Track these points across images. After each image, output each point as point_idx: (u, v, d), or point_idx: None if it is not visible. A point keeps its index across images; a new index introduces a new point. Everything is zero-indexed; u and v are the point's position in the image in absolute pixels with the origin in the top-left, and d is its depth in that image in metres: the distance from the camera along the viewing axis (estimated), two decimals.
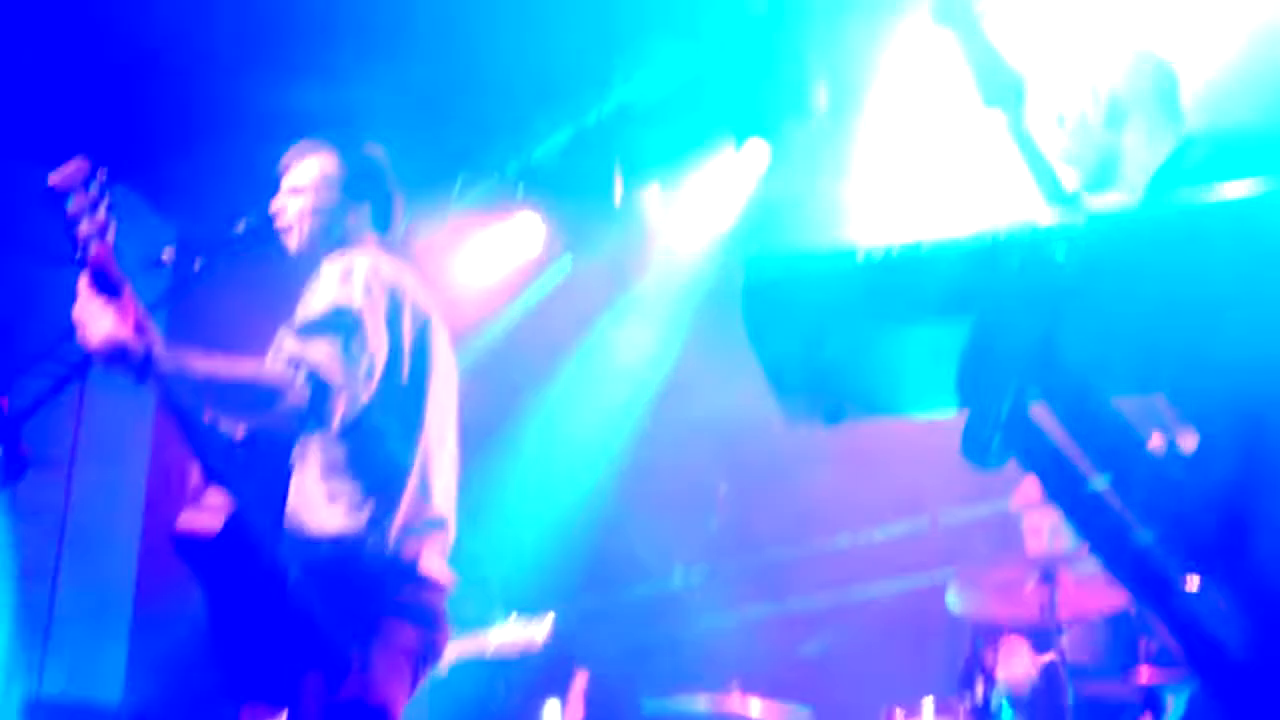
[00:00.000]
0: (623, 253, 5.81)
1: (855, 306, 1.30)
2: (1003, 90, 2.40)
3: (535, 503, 6.08)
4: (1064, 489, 1.31)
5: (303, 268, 2.87)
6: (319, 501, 2.57)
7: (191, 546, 2.48)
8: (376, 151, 3.01)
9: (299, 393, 2.45)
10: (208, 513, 2.51)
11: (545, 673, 5.14)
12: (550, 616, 4.59)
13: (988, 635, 3.99)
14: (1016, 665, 3.86)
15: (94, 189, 2.42)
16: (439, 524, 2.68)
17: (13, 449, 2.53)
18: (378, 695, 2.47)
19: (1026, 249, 1.19)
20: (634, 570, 6.11)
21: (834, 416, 1.48)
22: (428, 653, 2.60)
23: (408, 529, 2.59)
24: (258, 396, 2.47)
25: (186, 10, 4.96)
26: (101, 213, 2.41)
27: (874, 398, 1.51)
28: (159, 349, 2.39)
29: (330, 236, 2.87)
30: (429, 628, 2.61)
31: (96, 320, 2.35)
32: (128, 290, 2.41)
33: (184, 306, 6.35)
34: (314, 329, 2.56)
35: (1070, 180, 2.43)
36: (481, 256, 6.09)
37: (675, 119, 5.38)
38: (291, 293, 2.76)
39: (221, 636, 2.58)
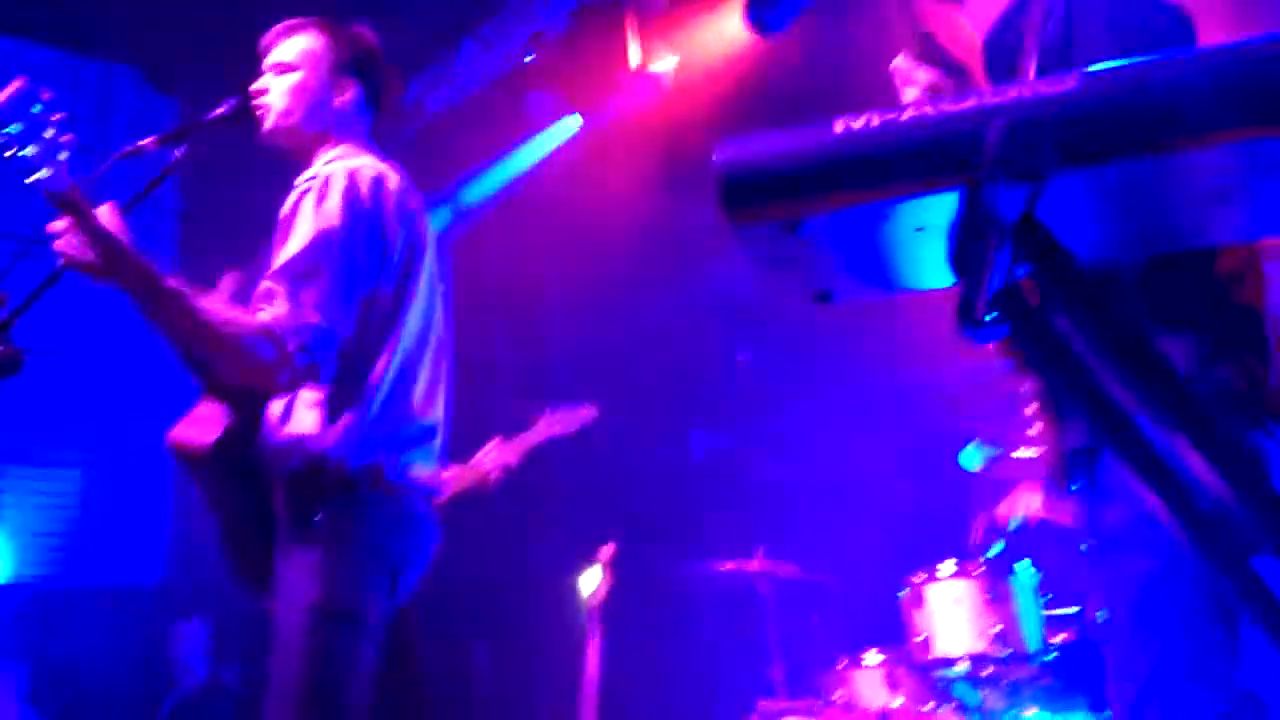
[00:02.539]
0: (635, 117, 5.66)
1: (834, 182, 1.22)
2: None
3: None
4: (1046, 361, 1.24)
5: (289, 152, 2.78)
6: (293, 410, 2.50)
7: (185, 459, 2.46)
8: (366, 30, 2.86)
9: (292, 367, 2.40)
10: (199, 425, 2.49)
11: (574, 545, 5.21)
12: (589, 406, 4.64)
13: (1002, 489, 4.01)
14: (1025, 503, 3.88)
15: (38, 109, 2.32)
16: (422, 429, 2.61)
17: (7, 343, 2.51)
18: (349, 600, 2.43)
19: (1011, 113, 1.10)
20: (652, 437, 6.12)
21: (824, 297, 1.41)
22: (408, 558, 2.56)
23: (385, 436, 2.53)
24: (242, 363, 2.41)
25: None
26: (53, 136, 2.32)
27: (862, 275, 1.44)
28: (138, 271, 2.34)
29: (315, 119, 2.74)
30: (409, 532, 2.56)
31: (64, 238, 2.36)
32: (91, 209, 2.36)
33: (196, 188, 6.39)
34: (296, 276, 2.45)
35: None
36: (493, 131, 5.98)
37: None
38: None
39: (224, 539, 2.59)
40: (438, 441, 2.66)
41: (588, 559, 5.06)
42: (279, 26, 2.81)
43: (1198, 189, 1.13)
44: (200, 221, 6.31)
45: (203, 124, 2.74)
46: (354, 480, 2.47)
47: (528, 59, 5.73)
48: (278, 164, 2.84)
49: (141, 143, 2.66)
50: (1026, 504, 3.99)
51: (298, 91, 2.74)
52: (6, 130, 2.31)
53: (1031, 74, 2.02)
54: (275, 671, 2.41)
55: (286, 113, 2.73)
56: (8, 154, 2.32)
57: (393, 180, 2.67)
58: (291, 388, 2.46)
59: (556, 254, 6.42)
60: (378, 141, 2.85)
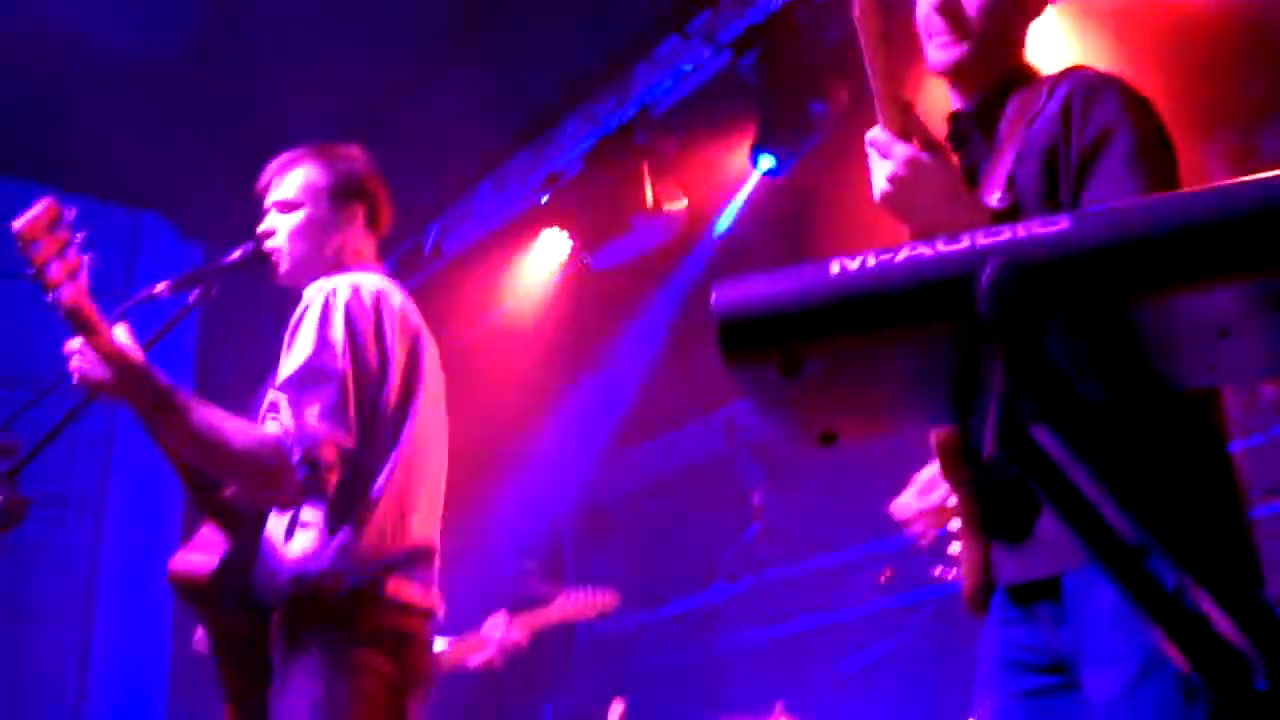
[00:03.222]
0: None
1: (831, 324, 1.21)
2: None
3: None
4: (1064, 500, 1.21)
5: (301, 286, 2.80)
6: (294, 531, 2.49)
7: (186, 589, 2.43)
8: (358, 151, 2.91)
9: (293, 480, 2.41)
10: (198, 552, 2.47)
11: (586, 702, 5.06)
12: (611, 592, 4.47)
13: None
14: None
15: (63, 231, 2.37)
16: (418, 551, 2.57)
17: (12, 492, 2.51)
18: None
19: (1007, 254, 1.10)
20: (673, 583, 6.01)
21: (828, 439, 1.39)
22: (409, 680, 2.49)
23: (382, 557, 2.49)
24: (250, 473, 2.43)
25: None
26: (73, 255, 2.37)
27: (865, 416, 1.42)
28: (149, 387, 2.35)
29: (325, 251, 2.78)
30: (408, 654, 2.50)
31: (77, 356, 2.39)
32: (106, 327, 2.40)
33: (214, 329, 6.45)
34: (301, 386, 2.47)
35: None
36: (508, 272, 6.05)
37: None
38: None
39: (222, 670, 2.54)
40: (435, 563, 2.62)
41: (599, 717, 4.86)
42: (275, 162, 2.86)
43: (1200, 328, 1.12)
44: (218, 367, 6.37)
45: (217, 269, 2.78)
46: (352, 601, 2.43)
47: (543, 200, 5.84)
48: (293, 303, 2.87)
49: (156, 288, 2.70)
50: None
51: (305, 229, 2.78)
52: (32, 248, 2.34)
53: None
54: None
55: (297, 255, 2.77)
56: (30, 272, 2.35)
57: (395, 297, 2.69)
58: (298, 500, 2.45)
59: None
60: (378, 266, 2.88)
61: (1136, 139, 1.94)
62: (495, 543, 5.85)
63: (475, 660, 3.94)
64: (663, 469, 6.14)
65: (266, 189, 2.84)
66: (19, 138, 5.75)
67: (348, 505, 2.49)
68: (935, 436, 2.13)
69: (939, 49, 2.12)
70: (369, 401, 2.54)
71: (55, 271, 2.34)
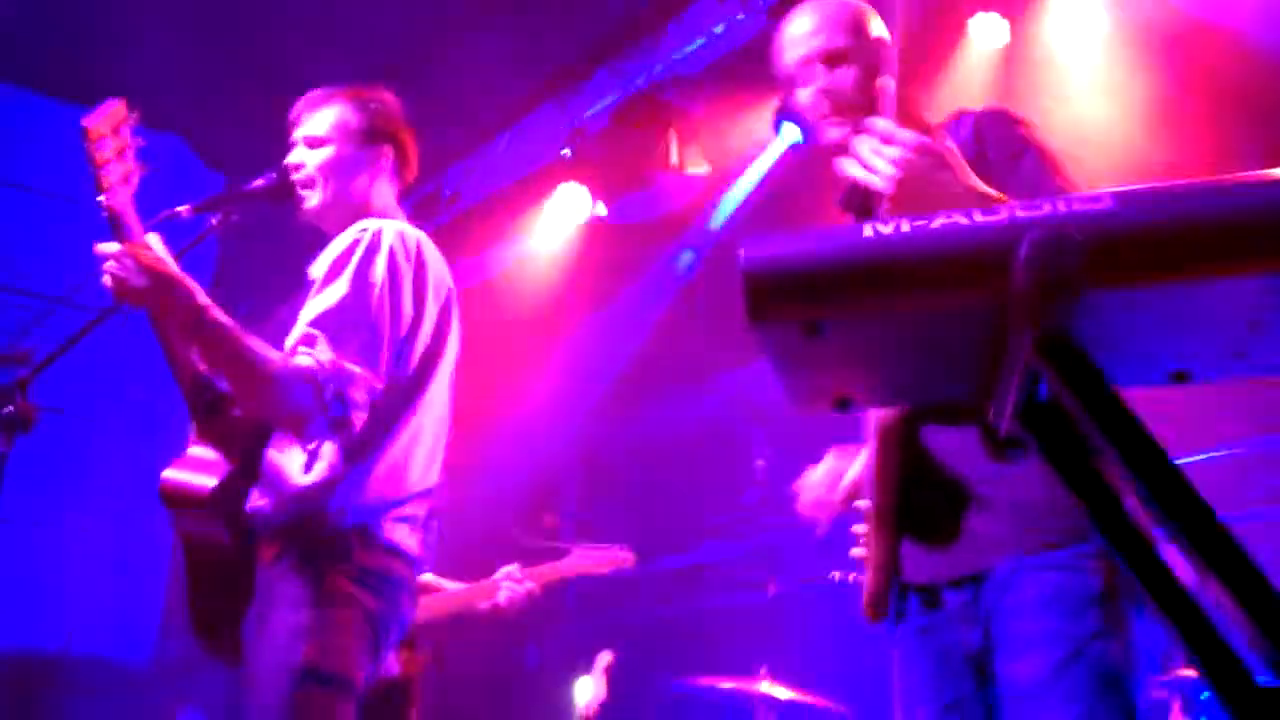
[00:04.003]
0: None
1: (860, 286, 1.20)
2: None
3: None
4: (1080, 481, 1.20)
5: (323, 224, 2.80)
6: (295, 460, 2.48)
7: (178, 504, 2.44)
8: (390, 95, 2.89)
9: (328, 415, 2.40)
10: (195, 469, 2.46)
11: (573, 651, 5.08)
12: (627, 549, 4.47)
13: None
14: None
15: (125, 134, 2.36)
16: (415, 496, 2.59)
17: (21, 401, 2.51)
18: (334, 662, 2.38)
19: (1047, 228, 1.08)
20: (664, 542, 6.02)
21: (842, 404, 1.38)
22: (390, 621, 2.50)
23: (385, 500, 2.50)
24: (280, 401, 2.41)
25: None
26: (130, 158, 2.36)
27: (883, 383, 1.41)
28: (186, 299, 2.35)
29: (352, 192, 2.77)
30: (393, 596, 2.50)
31: (114, 261, 2.36)
32: (143, 236, 2.39)
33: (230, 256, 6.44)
34: (338, 323, 2.46)
35: None
36: (522, 223, 6.04)
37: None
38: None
39: (195, 590, 2.55)
40: (424, 510, 2.64)
41: (585, 666, 4.88)
42: (307, 97, 2.85)
43: (1232, 316, 1.11)
44: (233, 288, 6.36)
45: (240, 194, 2.76)
46: (349, 538, 2.43)
47: (564, 152, 5.81)
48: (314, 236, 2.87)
49: (179, 208, 2.68)
50: None
51: (332, 167, 2.76)
52: (95, 146, 2.34)
53: None
54: None
55: (324, 190, 2.75)
56: (92, 169, 2.35)
57: (434, 252, 2.69)
58: (323, 435, 2.44)
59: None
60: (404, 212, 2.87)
61: (1048, 146, 2.20)
62: (498, 494, 5.86)
63: (484, 605, 3.96)
64: (665, 427, 6.14)
65: (296, 123, 2.82)
66: (46, 53, 5.72)
67: (363, 446, 2.49)
68: (877, 421, 2.15)
69: (831, 129, 2.30)
70: (398, 349, 2.54)
71: (112, 172, 2.33)
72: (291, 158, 2.78)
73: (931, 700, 2.13)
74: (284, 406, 2.41)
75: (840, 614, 5.35)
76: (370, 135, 2.80)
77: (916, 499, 2.14)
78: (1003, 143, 2.19)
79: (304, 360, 2.41)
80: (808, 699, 4.42)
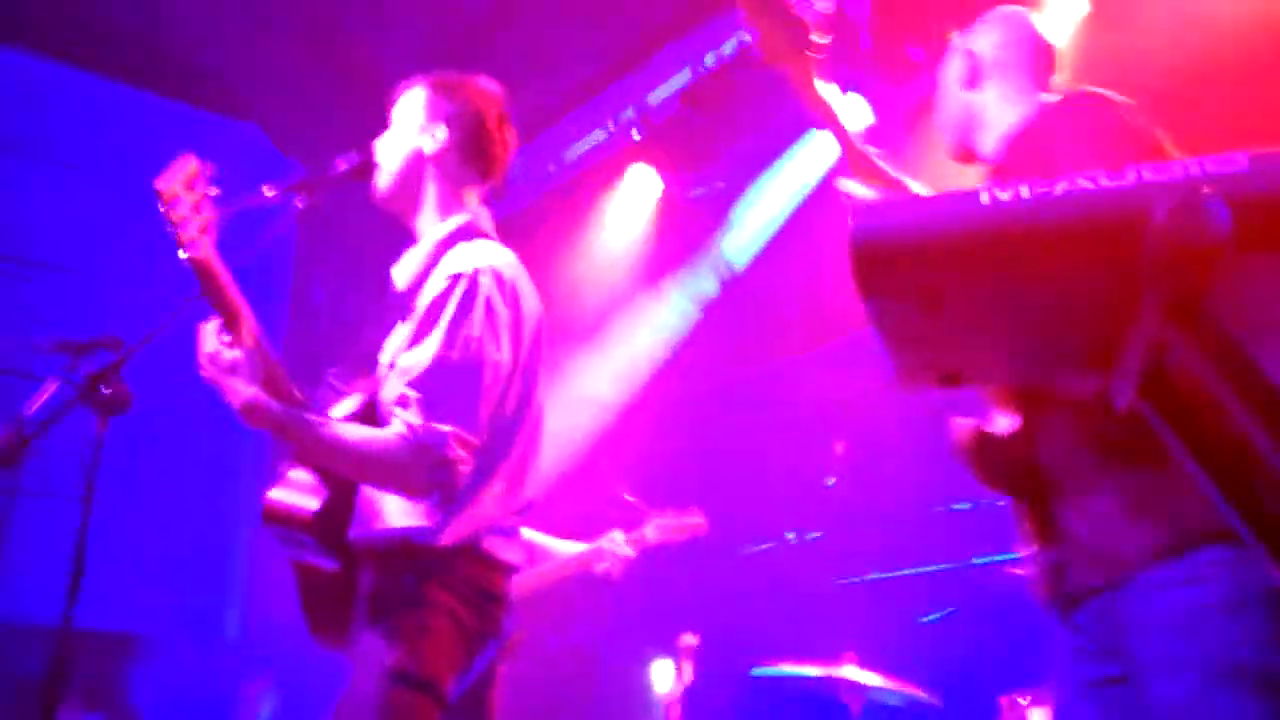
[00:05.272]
0: None
1: (979, 257, 1.16)
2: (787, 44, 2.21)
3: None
4: (1206, 457, 1.15)
5: (398, 217, 2.79)
6: (394, 500, 2.50)
7: (283, 526, 2.47)
8: (480, 82, 2.83)
9: (421, 479, 2.40)
10: (296, 492, 2.48)
11: (654, 634, 5.06)
12: (699, 513, 4.50)
13: None
14: None
15: (200, 186, 2.35)
16: (516, 510, 2.61)
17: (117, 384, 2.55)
18: (426, 669, 2.39)
19: (1181, 190, 1.04)
20: (747, 531, 5.99)
21: (951, 380, 1.34)
22: (485, 630, 2.52)
23: (486, 522, 2.53)
24: (378, 478, 2.46)
25: None
26: (206, 208, 2.35)
27: (994, 360, 1.37)
28: (268, 419, 2.38)
29: (431, 184, 2.74)
30: (487, 605, 2.52)
31: (219, 378, 2.40)
32: (231, 282, 2.39)
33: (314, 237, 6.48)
34: (433, 384, 2.44)
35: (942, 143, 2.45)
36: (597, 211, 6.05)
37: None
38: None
39: (303, 598, 2.58)
40: (523, 525, 2.67)
41: (664, 650, 4.78)
42: (405, 83, 2.84)
43: None
44: (314, 275, 6.43)
45: (325, 178, 2.77)
46: (448, 556, 2.47)
47: (635, 136, 5.79)
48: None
49: (266, 192, 2.68)
50: None
51: (415, 157, 2.74)
52: (170, 206, 2.32)
53: None
54: None
55: (400, 179, 2.73)
56: (169, 229, 2.34)
57: (524, 279, 2.66)
58: (428, 493, 2.44)
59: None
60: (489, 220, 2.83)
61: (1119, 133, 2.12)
62: (582, 468, 5.91)
63: (599, 568, 4.13)
64: (745, 411, 6.11)
65: (390, 105, 2.81)
66: (123, 43, 5.80)
67: (463, 493, 2.48)
68: (960, 440, 2.16)
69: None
70: (497, 397, 2.52)
71: (189, 228, 2.31)
72: (379, 141, 2.78)
73: (1068, 680, 2.15)
74: (382, 481, 2.45)
75: (928, 600, 5.30)
76: (431, 115, 2.75)
77: (1036, 511, 2.15)
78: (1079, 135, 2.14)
79: (396, 428, 2.41)
80: (896, 687, 4.25)
